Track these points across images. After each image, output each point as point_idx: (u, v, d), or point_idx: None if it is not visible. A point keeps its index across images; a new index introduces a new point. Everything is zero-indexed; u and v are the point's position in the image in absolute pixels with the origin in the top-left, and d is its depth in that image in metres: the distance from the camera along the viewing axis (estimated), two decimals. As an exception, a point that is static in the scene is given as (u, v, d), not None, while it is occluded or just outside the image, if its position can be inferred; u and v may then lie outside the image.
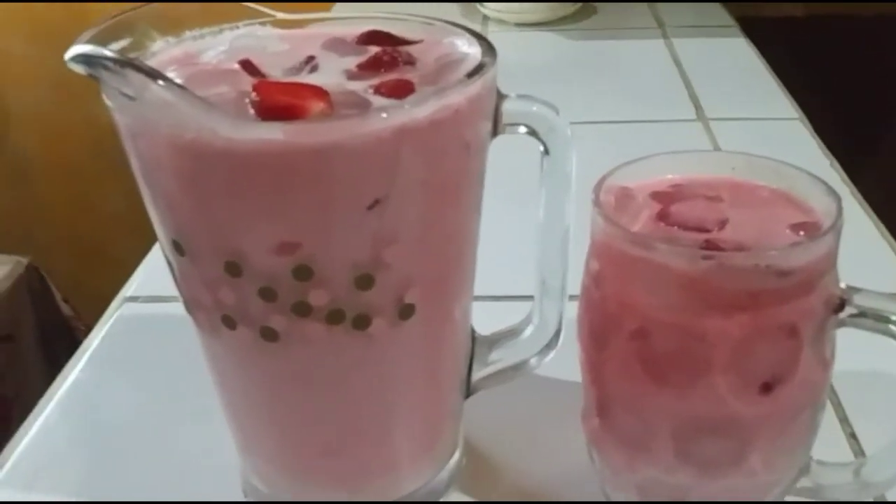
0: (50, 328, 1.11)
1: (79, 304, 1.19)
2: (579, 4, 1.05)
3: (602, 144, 0.70)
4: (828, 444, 0.38)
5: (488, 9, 1.03)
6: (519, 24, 1.02)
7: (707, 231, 0.34)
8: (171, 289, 0.35)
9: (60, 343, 1.10)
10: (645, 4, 1.08)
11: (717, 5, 1.07)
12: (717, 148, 0.71)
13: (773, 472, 0.35)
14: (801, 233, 0.34)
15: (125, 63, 0.29)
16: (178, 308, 0.36)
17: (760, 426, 0.33)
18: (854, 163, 0.69)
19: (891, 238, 0.58)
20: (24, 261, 1.10)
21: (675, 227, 0.34)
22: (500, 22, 1.03)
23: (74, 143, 1.32)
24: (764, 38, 0.96)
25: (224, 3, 0.37)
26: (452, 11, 1.06)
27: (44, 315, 1.11)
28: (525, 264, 0.40)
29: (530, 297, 0.40)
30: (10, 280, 1.06)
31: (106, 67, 0.29)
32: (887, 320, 0.33)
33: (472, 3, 1.05)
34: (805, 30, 1.12)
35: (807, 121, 0.76)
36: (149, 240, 0.34)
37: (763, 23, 1.05)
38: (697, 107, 0.79)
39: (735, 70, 0.89)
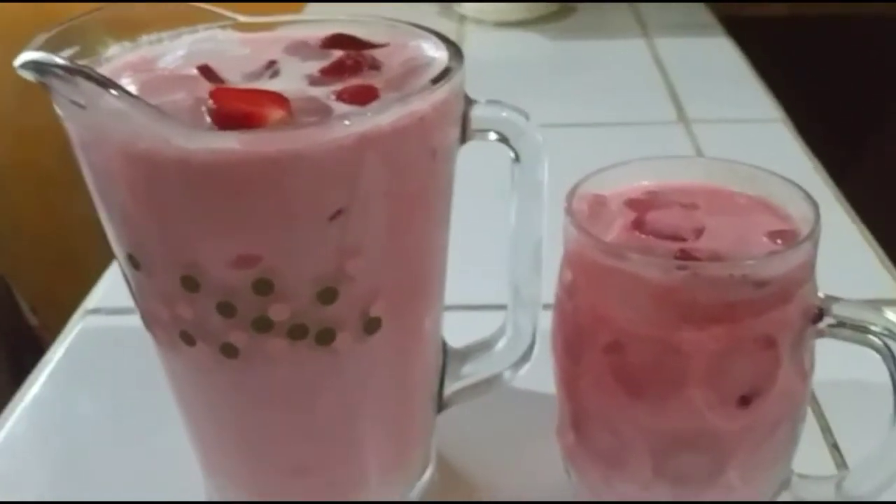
0: (16, 339, 1.09)
1: (46, 315, 1.16)
2: (558, 4, 1.04)
3: (581, 147, 0.69)
4: (810, 455, 0.38)
5: (466, 8, 1.02)
6: (497, 24, 1.01)
7: (683, 240, 0.33)
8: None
9: (27, 354, 1.08)
10: (625, 4, 1.07)
11: (699, 5, 1.06)
12: (698, 150, 0.70)
13: (752, 487, 0.34)
14: (779, 241, 0.33)
15: (75, 71, 0.28)
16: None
17: (738, 440, 0.33)
18: (838, 165, 0.68)
19: (874, 242, 0.57)
20: (-11, 270, 1.08)
21: (651, 236, 0.33)
22: (479, 21, 1.01)
23: (42, 149, 1.30)
24: (747, 37, 0.96)
25: (183, 6, 0.36)
26: (429, 11, 1.05)
27: (9, 326, 1.09)
28: (497, 272, 0.39)
29: (503, 307, 0.39)
30: (-26, 290, 1.04)
31: (56, 75, 0.28)
32: (866, 330, 0.32)
33: (449, 3, 1.04)
34: (789, 29, 1.12)
35: (790, 122, 0.75)
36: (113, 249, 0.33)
37: (746, 22, 1.04)
38: (679, 108, 0.78)
39: (717, 71, 0.88)
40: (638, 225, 0.34)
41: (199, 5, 0.36)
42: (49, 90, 0.29)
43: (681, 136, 0.73)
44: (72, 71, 0.28)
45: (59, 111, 0.30)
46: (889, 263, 0.55)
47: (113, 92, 0.27)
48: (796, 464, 0.36)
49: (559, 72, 0.90)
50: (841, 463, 0.41)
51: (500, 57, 0.94)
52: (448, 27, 0.97)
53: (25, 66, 0.29)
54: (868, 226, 0.59)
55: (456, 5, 1.03)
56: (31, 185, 1.48)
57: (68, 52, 0.31)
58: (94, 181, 0.31)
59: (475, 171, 0.39)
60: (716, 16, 1.03)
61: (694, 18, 1.02)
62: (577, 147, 0.61)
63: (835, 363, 0.36)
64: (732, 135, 0.73)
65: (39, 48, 0.30)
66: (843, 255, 0.55)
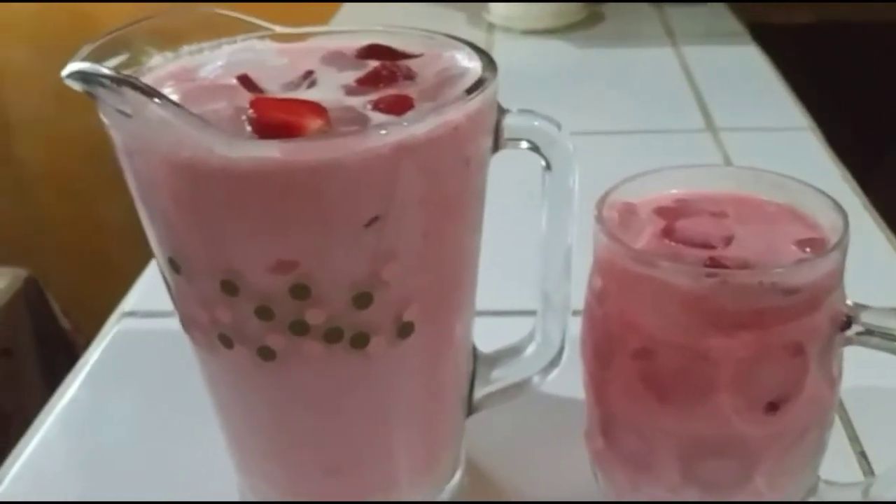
0: (49, 342, 1.10)
1: (79, 318, 1.18)
2: (586, 12, 1.04)
3: (609, 155, 0.69)
4: (837, 463, 0.38)
5: (494, 16, 1.03)
6: (525, 32, 1.01)
7: (712, 248, 0.33)
8: (169, 304, 0.35)
9: (59, 357, 1.10)
10: (654, 12, 1.07)
11: (726, 12, 1.06)
12: (726, 158, 0.70)
13: (779, 493, 0.35)
14: (808, 249, 0.33)
15: (122, 81, 0.29)
16: (177, 323, 0.35)
17: (766, 446, 0.33)
18: (866, 174, 0.68)
19: (902, 250, 0.57)
20: (24, 273, 1.09)
21: (680, 244, 0.34)
22: (507, 29, 1.02)
23: (76, 154, 1.32)
24: (774, 45, 0.95)
25: (222, 18, 0.37)
26: (458, 20, 1.05)
27: (43, 329, 1.10)
28: (527, 279, 0.39)
29: (533, 313, 0.39)
30: (8, 293, 1.05)
31: (102, 85, 0.29)
32: (894, 338, 0.32)
33: (478, 12, 1.05)
34: (816, 36, 1.11)
35: (818, 130, 0.75)
36: (149, 253, 0.34)
37: (773, 30, 1.04)
38: (707, 116, 0.79)
39: (745, 78, 0.88)
40: (668, 233, 0.34)
41: (237, 15, 0.37)
42: (95, 99, 0.30)
43: (709, 144, 0.73)
44: (118, 81, 0.29)
45: (104, 119, 0.31)
46: (917, 272, 0.55)
47: (157, 101, 0.28)
48: (824, 471, 0.36)
49: (587, 80, 0.91)
50: (868, 470, 0.41)
51: (529, 65, 0.94)
52: (477, 36, 0.98)
53: (72, 76, 0.30)
54: (896, 233, 0.59)
55: (485, 13, 1.04)
56: (64, 189, 1.50)
57: (113, 62, 0.32)
58: (137, 188, 0.32)
59: (507, 178, 0.39)
60: (743, 23, 1.03)
61: (721, 26, 1.02)
62: (605, 155, 0.61)
63: (863, 371, 0.36)
64: (760, 143, 0.73)
65: (85, 58, 0.31)
66: (871, 262, 0.55)
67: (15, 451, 0.44)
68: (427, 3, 1.11)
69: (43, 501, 0.42)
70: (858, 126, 0.96)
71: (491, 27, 1.03)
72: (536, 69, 0.94)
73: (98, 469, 0.44)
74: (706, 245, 0.34)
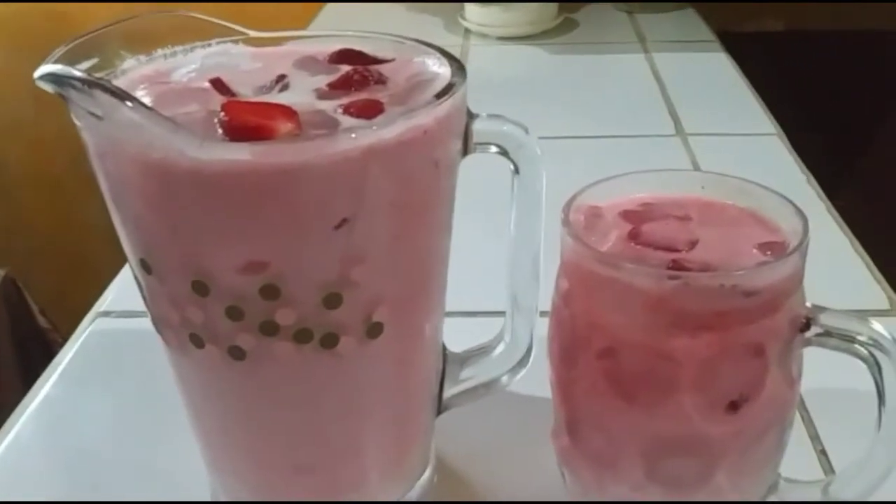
0: (26, 340, 1.10)
1: (56, 317, 1.18)
2: (560, 19, 1.05)
3: (580, 159, 0.70)
4: (798, 461, 0.39)
5: (471, 23, 1.04)
6: (501, 38, 1.02)
7: (677, 251, 0.34)
8: (144, 304, 0.35)
9: (36, 355, 1.10)
10: (626, 19, 1.08)
11: (697, 20, 1.07)
12: (694, 163, 0.71)
13: (741, 491, 0.35)
14: (768, 252, 0.34)
15: (93, 83, 0.29)
16: (151, 324, 0.36)
17: (727, 445, 0.34)
18: (831, 179, 0.70)
19: (865, 255, 0.58)
20: (1, 272, 1.09)
21: (646, 247, 0.34)
22: (482, 36, 1.03)
23: (54, 154, 1.32)
24: (744, 52, 0.97)
25: (197, 22, 0.37)
26: (436, 24, 1.06)
27: (20, 328, 1.10)
28: (496, 280, 0.40)
29: (502, 313, 0.40)
30: (-15, 292, 1.05)
31: (74, 87, 0.29)
32: (852, 340, 0.33)
33: (455, 17, 1.06)
34: (785, 44, 1.13)
35: (784, 137, 0.77)
36: (126, 254, 0.34)
37: (743, 37, 1.05)
38: (676, 122, 0.80)
39: (715, 85, 0.90)
40: (634, 236, 0.35)
41: (211, 20, 0.37)
42: (67, 101, 0.30)
43: (678, 149, 0.74)
44: (89, 83, 0.29)
45: (76, 121, 0.31)
46: (878, 274, 0.56)
47: (129, 104, 0.29)
48: (785, 469, 0.37)
49: (560, 85, 0.92)
50: (828, 468, 0.42)
51: (504, 70, 0.95)
52: (453, 41, 0.98)
53: (44, 77, 0.30)
54: (859, 238, 0.60)
55: (461, 19, 1.04)
56: (42, 190, 1.49)
57: (86, 64, 0.32)
58: (109, 189, 0.32)
59: (476, 182, 0.40)
60: (713, 31, 1.04)
61: (692, 33, 1.04)
62: (576, 159, 0.62)
63: (823, 371, 0.37)
64: (728, 148, 0.75)
65: (57, 60, 0.31)
66: (832, 266, 0.56)
67: (-12, 449, 0.45)
68: (406, 7, 1.12)
69: (16, 502, 0.42)
70: (824, 133, 0.98)
71: (467, 33, 1.04)
72: (511, 74, 0.94)
73: (72, 467, 0.44)
74: (671, 248, 0.34)
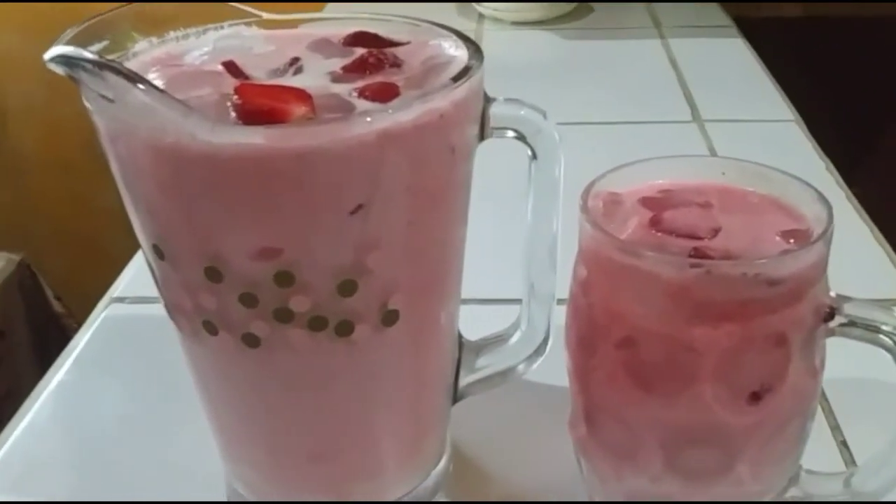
0: (41, 325, 1.11)
1: (71, 302, 1.18)
2: (575, 4, 1.05)
3: (596, 146, 0.69)
4: (819, 452, 0.38)
5: (485, 7, 1.03)
6: (515, 23, 1.02)
7: (699, 239, 0.33)
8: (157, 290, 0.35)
9: (52, 340, 1.10)
10: (642, 4, 1.07)
11: (714, 5, 1.06)
12: (711, 149, 0.71)
13: (761, 482, 0.35)
14: (791, 241, 0.33)
15: (104, 65, 0.29)
16: (164, 309, 0.35)
17: (748, 436, 0.33)
18: (850, 166, 0.69)
19: (885, 243, 0.58)
20: (16, 258, 1.10)
21: (668, 234, 0.34)
22: (497, 20, 1.02)
23: (69, 139, 1.32)
24: (761, 38, 0.96)
25: (210, 4, 0.36)
26: (449, 9, 1.05)
27: (35, 312, 1.10)
28: (513, 267, 0.39)
29: (518, 301, 0.40)
30: (1, 277, 1.06)
31: (85, 69, 0.29)
32: (877, 330, 0.33)
33: (469, 2, 1.05)
34: (803, 30, 1.12)
35: (802, 123, 0.76)
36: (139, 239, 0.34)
37: (760, 23, 1.04)
38: (693, 108, 0.79)
39: (731, 71, 0.89)
40: (655, 223, 0.34)
41: (224, 2, 0.36)
42: (78, 84, 0.30)
43: (694, 135, 0.73)
44: (100, 65, 0.29)
45: (87, 104, 0.31)
46: (900, 263, 0.55)
47: (140, 86, 0.28)
48: (806, 460, 0.36)
49: (575, 71, 0.91)
50: (850, 460, 0.41)
51: (518, 55, 0.94)
52: (467, 26, 0.98)
53: (55, 59, 0.29)
54: (879, 226, 0.60)
55: (475, 4, 1.04)
56: (57, 175, 1.50)
57: (97, 46, 0.32)
58: (121, 174, 0.32)
59: (493, 167, 0.39)
60: (730, 16, 1.03)
61: (709, 19, 1.03)
62: (592, 145, 0.61)
63: (846, 362, 0.36)
64: (745, 134, 0.74)
65: (68, 42, 0.30)
66: (854, 254, 0.55)
67: (4, 433, 0.45)
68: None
69: (30, 486, 0.41)
70: (843, 119, 0.97)
71: (481, 18, 1.03)
72: (525, 60, 0.94)
73: (86, 452, 0.44)
74: (694, 236, 0.34)
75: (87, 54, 0.29)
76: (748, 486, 0.34)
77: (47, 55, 0.30)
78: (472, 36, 0.35)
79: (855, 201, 0.62)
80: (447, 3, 1.07)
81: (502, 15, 1.02)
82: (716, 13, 1.04)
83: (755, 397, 0.32)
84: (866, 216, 0.61)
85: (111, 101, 0.29)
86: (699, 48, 0.94)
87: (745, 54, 0.92)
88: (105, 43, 0.33)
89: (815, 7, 1.12)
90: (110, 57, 0.31)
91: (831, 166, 0.68)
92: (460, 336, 0.40)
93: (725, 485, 0.34)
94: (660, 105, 0.80)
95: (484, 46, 0.34)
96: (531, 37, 1.00)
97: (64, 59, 0.29)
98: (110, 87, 0.29)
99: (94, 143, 0.32)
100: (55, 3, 1.32)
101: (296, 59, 0.34)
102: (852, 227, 0.59)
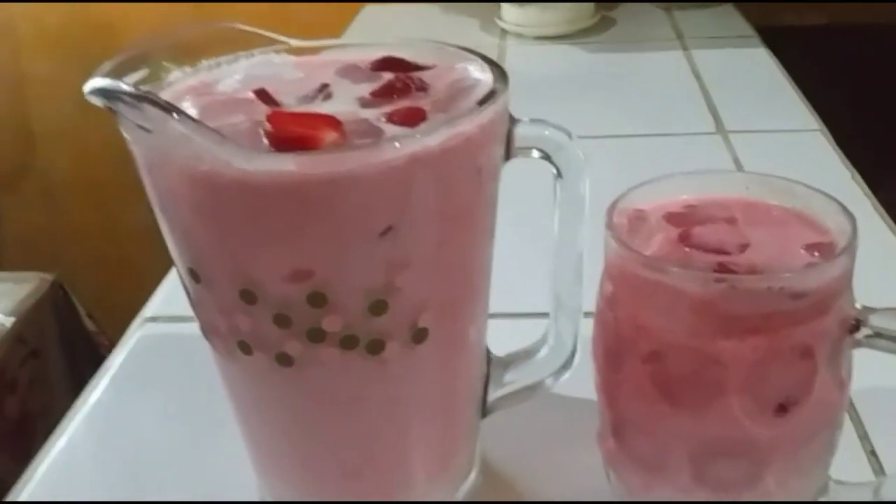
0: (74, 344, 1.12)
1: (103, 320, 1.20)
2: (598, 17, 1.05)
3: (620, 158, 0.70)
4: (847, 462, 0.38)
5: (507, 23, 1.04)
6: (537, 38, 1.02)
7: (727, 254, 0.34)
8: (190, 309, 0.36)
9: (85, 359, 1.12)
10: (664, 16, 1.07)
11: (736, 15, 1.06)
12: (736, 161, 0.71)
13: (789, 493, 0.35)
14: (816, 254, 0.33)
15: (141, 97, 0.30)
16: (198, 329, 0.36)
17: (776, 447, 0.33)
18: (876, 175, 0.69)
19: (912, 252, 0.58)
20: (49, 278, 1.11)
21: (697, 249, 0.34)
22: (519, 36, 1.03)
23: (100, 161, 1.34)
24: (784, 47, 0.96)
25: (238, 32, 0.37)
26: (472, 25, 1.06)
27: (68, 331, 1.12)
28: (540, 282, 0.40)
29: (545, 315, 0.40)
30: (35, 297, 1.07)
31: (123, 101, 0.30)
32: (903, 341, 0.33)
33: (491, 17, 1.06)
34: (826, 38, 1.11)
35: (828, 132, 0.76)
36: (171, 259, 0.35)
37: (783, 32, 1.04)
38: (717, 119, 0.79)
39: (755, 81, 0.89)
40: (684, 239, 0.35)
41: (253, 30, 0.37)
42: (116, 115, 0.31)
43: (719, 147, 0.74)
44: (138, 97, 0.30)
45: (125, 135, 0.32)
46: (928, 274, 0.55)
47: (176, 117, 0.29)
48: (835, 470, 0.36)
49: (598, 84, 0.91)
50: (879, 470, 0.41)
51: (541, 70, 0.95)
52: (489, 42, 0.98)
53: (94, 92, 0.30)
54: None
55: (497, 20, 1.04)
56: (88, 197, 1.52)
57: (133, 77, 0.33)
58: (158, 201, 0.33)
59: (519, 186, 0.40)
60: (753, 26, 1.03)
61: (731, 29, 1.03)
62: (616, 158, 0.62)
63: (875, 371, 0.36)
64: (770, 145, 0.74)
65: (106, 74, 0.31)
66: (880, 265, 0.55)
67: (40, 455, 0.45)
68: (442, 8, 1.12)
69: (69, 502, 0.42)
70: (869, 128, 0.96)
71: (504, 33, 1.04)
72: (548, 74, 0.94)
73: (122, 470, 0.44)
74: (721, 251, 0.34)
75: (125, 87, 0.30)
76: (776, 496, 0.34)
77: (86, 88, 0.31)
78: (495, 52, 0.35)
79: (881, 211, 0.62)
80: (470, 20, 1.07)
81: (525, 30, 1.03)
82: (738, 23, 1.04)
83: (782, 409, 0.33)
84: (893, 225, 0.61)
85: (149, 131, 0.30)
86: (722, 58, 0.94)
87: (768, 64, 0.92)
88: (141, 74, 0.34)
89: (839, 14, 1.12)
90: (145, 87, 0.32)
91: (857, 176, 0.68)
92: (488, 351, 0.40)
93: (754, 496, 0.34)
94: (683, 116, 0.81)
95: (507, 62, 0.35)
96: (554, 51, 1.00)
97: (103, 92, 0.30)
98: (147, 117, 0.30)
99: (125, 165, 0.33)
100: (82, 27, 1.35)
101: (325, 86, 0.35)
102: (878, 238, 0.59)
